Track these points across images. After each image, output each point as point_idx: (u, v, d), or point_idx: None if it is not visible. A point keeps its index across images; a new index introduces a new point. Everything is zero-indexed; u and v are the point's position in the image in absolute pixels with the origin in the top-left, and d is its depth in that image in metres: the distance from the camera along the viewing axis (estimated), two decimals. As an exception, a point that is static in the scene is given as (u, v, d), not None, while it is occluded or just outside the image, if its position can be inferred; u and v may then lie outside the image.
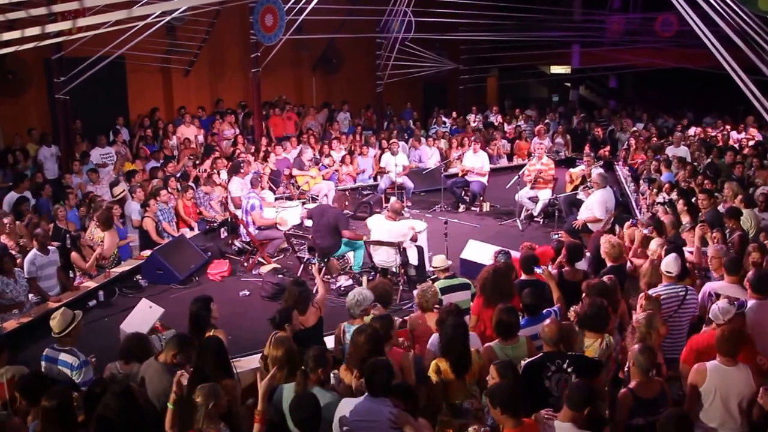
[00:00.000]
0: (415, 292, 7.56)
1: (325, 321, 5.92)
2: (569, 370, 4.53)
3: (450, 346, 4.70)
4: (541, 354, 4.70)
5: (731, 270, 5.90)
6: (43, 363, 5.09)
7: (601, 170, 11.69)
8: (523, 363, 4.71)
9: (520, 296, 5.73)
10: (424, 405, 4.54)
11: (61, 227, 8.76)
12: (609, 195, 9.59)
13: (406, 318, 6.12)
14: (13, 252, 7.87)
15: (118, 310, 7.90)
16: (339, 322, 5.63)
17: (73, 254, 8.33)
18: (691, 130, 15.95)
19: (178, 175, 11.53)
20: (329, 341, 5.84)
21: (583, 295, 5.57)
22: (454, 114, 18.76)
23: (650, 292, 5.67)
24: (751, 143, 13.94)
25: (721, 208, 8.55)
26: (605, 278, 5.83)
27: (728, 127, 15.99)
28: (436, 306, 5.76)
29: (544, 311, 5.59)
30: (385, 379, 4.17)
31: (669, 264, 5.81)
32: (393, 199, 10.27)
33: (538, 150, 12.28)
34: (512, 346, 4.96)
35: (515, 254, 7.23)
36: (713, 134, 15.53)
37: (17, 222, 8.80)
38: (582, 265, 6.79)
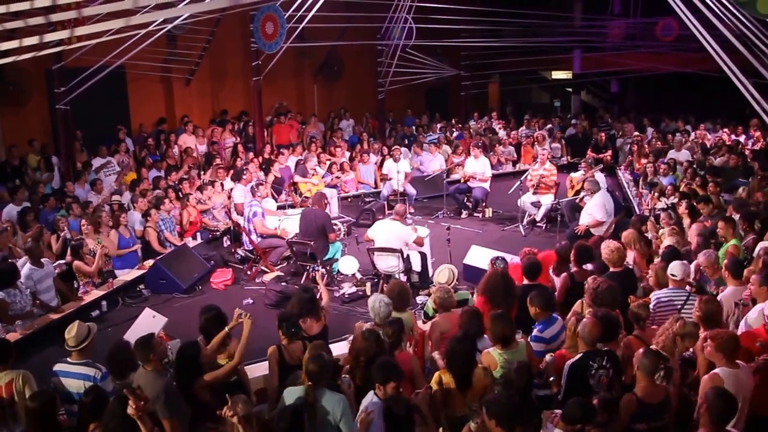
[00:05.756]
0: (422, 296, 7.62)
1: (330, 328, 5.90)
2: (607, 366, 4.66)
3: (453, 358, 4.71)
4: (581, 354, 4.76)
5: (735, 274, 5.89)
6: (53, 378, 4.98)
7: (601, 174, 11.70)
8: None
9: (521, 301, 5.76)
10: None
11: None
12: (606, 197, 9.61)
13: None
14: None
15: (121, 320, 7.88)
16: (344, 329, 5.60)
17: (76, 262, 8.30)
18: (695, 133, 15.88)
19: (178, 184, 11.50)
20: (335, 348, 5.82)
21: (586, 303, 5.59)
22: (454, 121, 18.73)
23: (654, 295, 5.77)
24: (756, 147, 13.90)
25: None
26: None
27: (727, 131, 15.91)
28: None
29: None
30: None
31: (674, 268, 5.85)
32: (398, 205, 10.27)
33: (541, 155, 12.28)
34: (511, 351, 4.97)
35: (516, 259, 7.23)
36: (711, 138, 15.45)
37: (21, 233, 8.78)
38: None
